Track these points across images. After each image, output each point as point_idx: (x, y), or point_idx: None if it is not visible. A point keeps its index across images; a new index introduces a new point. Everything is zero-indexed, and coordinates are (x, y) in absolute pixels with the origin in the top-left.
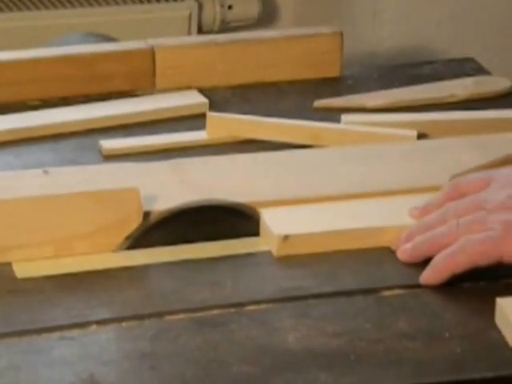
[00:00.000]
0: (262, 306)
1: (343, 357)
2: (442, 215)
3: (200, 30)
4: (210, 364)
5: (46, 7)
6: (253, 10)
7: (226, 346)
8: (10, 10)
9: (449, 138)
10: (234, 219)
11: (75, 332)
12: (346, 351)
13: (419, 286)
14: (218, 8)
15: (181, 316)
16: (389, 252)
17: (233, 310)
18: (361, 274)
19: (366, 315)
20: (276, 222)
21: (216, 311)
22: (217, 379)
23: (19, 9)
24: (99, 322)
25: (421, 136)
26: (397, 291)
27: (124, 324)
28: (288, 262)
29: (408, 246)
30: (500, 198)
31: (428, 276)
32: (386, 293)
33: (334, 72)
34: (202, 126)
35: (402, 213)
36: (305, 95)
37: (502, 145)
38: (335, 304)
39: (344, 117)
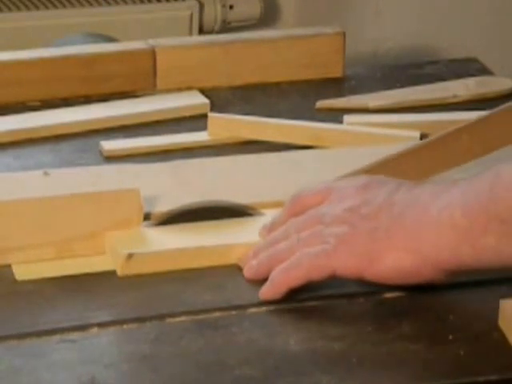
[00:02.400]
0: (263, 309)
1: (345, 360)
2: (285, 231)
3: (201, 30)
4: (211, 366)
5: (46, 7)
6: (254, 9)
7: (227, 348)
8: (10, 10)
9: None
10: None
11: (76, 335)
12: (348, 354)
13: (422, 288)
14: (219, 8)
15: (182, 318)
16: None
17: (234, 312)
18: None
19: (367, 318)
20: (123, 241)
21: (217, 314)
22: (218, 382)
23: (19, 9)
24: (100, 325)
25: (423, 137)
26: (399, 293)
27: (125, 326)
28: None
29: (253, 263)
30: (336, 211)
31: (266, 291)
32: (388, 295)
33: (336, 72)
34: (203, 127)
35: (253, 230)
36: (307, 96)
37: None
38: (336, 307)
39: (346, 117)
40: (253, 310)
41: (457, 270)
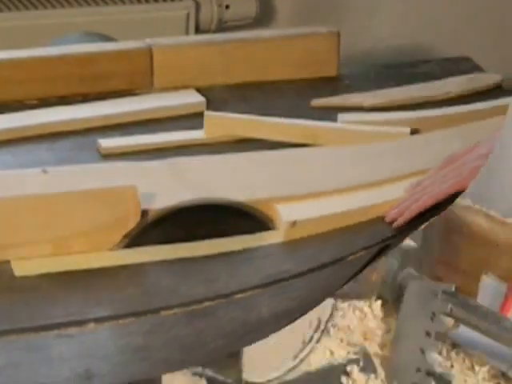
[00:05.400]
0: (248, 293)
1: None
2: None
3: (197, 30)
4: (192, 346)
5: (45, 7)
6: (250, 9)
7: (210, 329)
8: (10, 10)
9: (438, 131)
10: (230, 217)
11: (73, 330)
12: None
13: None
14: (215, 8)
15: (175, 311)
16: None
17: (223, 300)
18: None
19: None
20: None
21: (207, 303)
22: (195, 357)
23: (18, 8)
24: (97, 320)
25: (414, 132)
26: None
27: (121, 321)
28: (282, 257)
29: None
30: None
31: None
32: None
33: (330, 71)
34: (199, 125)
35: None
36: (302, 94)
37: (484, 130)
38: (308, 278)
39: (341, 116)
40: (239, 295)
41: None
